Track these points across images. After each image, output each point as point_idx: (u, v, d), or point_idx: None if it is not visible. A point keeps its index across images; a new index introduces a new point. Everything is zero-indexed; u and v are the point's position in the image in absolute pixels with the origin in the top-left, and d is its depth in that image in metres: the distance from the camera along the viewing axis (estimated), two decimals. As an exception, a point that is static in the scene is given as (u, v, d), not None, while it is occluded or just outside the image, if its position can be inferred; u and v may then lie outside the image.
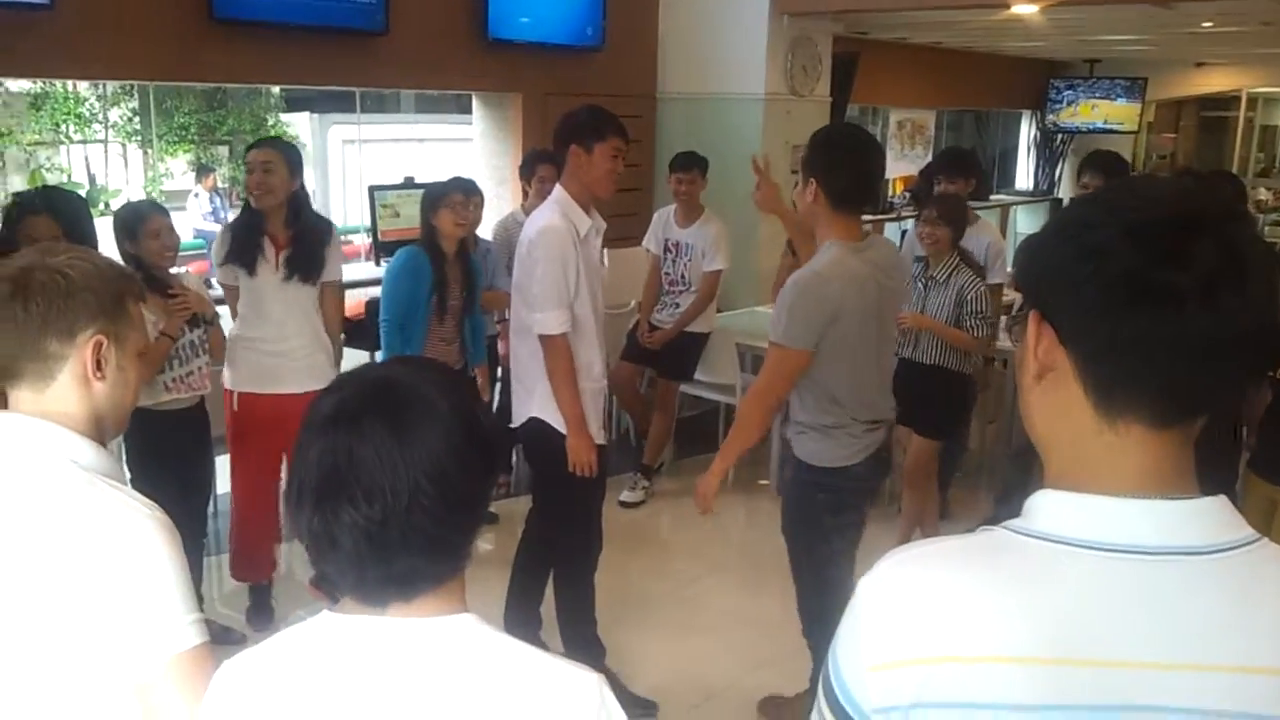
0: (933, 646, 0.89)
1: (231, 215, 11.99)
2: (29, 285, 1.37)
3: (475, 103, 6.64)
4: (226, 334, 3.82)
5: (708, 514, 3.07)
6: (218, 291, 4.07)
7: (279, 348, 3.79)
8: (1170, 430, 0.92)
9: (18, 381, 1.41)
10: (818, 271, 2.84)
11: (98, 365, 1.41)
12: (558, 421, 3.27)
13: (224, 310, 3.95)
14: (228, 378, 3.86)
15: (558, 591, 3.58)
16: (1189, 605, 0.88)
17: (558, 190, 3.32)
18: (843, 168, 2.86)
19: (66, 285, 1.38)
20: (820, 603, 3.04)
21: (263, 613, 4.04)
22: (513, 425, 3.45)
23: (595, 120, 3.29)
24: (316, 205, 3.92)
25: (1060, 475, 0.95)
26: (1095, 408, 0.92)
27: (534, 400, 3.32)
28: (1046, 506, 0.94)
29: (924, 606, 0.91)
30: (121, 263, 1.52)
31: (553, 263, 3.17)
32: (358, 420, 1.06)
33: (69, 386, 1.41)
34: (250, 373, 3.81)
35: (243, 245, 3.72)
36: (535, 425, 3.32)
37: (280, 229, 3.73)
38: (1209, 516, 0.91)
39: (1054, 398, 0.95)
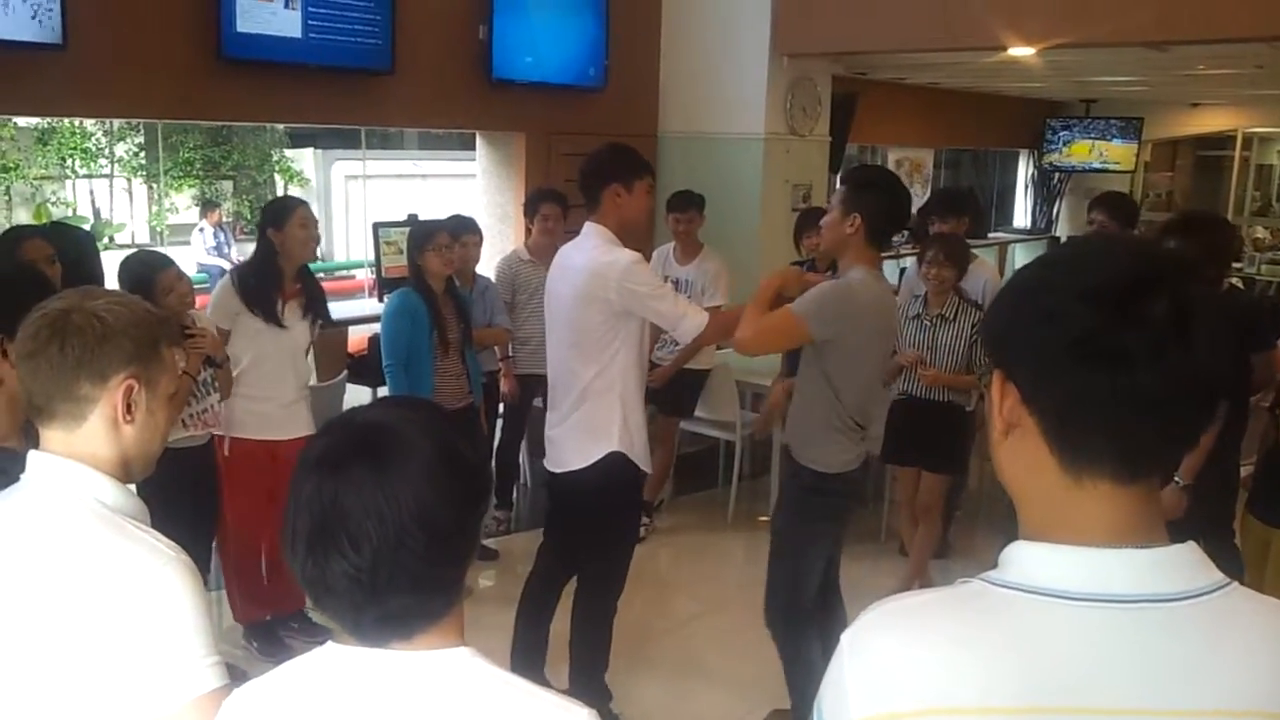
0: (918, 699, 0.90)
1: (236, 250, 12.13)
2: (66, 328, 1.41)
3: (479, 141, 6.71)
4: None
5: None
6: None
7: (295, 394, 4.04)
8: (1136, 484, 0.94)
9: (50, 421, 1.44)
10: (851, 284, 3.13)
11: (128, 409, 1.45)
12: (635, 454, 3.36)
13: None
14: (249, 426, 3.90)
15: (583, 630, 3.53)
16: (1165, 652, 0.90)
17: (597, 229, 3.32)
18: (885, 208, 3.14)
19: (102, 329, 1.41)
20: (790, 603, 3.34)
21: (274, 643, 4.09)
22: (574, 468, 3.39)
23: (630, 159, 3.38)
24: (320, 241, 4.06)
25: (1034, 527, 0.97)
26: (1060, 465, 0.94)
27: (612, 435, 3.32)
28: (1021, 558, 0.95)
29: (908, 659, 0.92)
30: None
31: (659, 284, 3.38)
32: (341, 467, 1.09)
33: (99, 428, 1.44)
34: (268, 420, 3.93)
35: (262, 292, 3.88)
36: (614, 459, 3.32)
37: (292, 280, 3.98)
38: (1180, 564, 0.93)
39: (1022, 454, 0.97)
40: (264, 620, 4.15)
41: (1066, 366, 0.90)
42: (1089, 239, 1.00)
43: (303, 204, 4.03)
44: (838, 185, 3.21)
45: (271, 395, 3.91)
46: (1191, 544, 0.95)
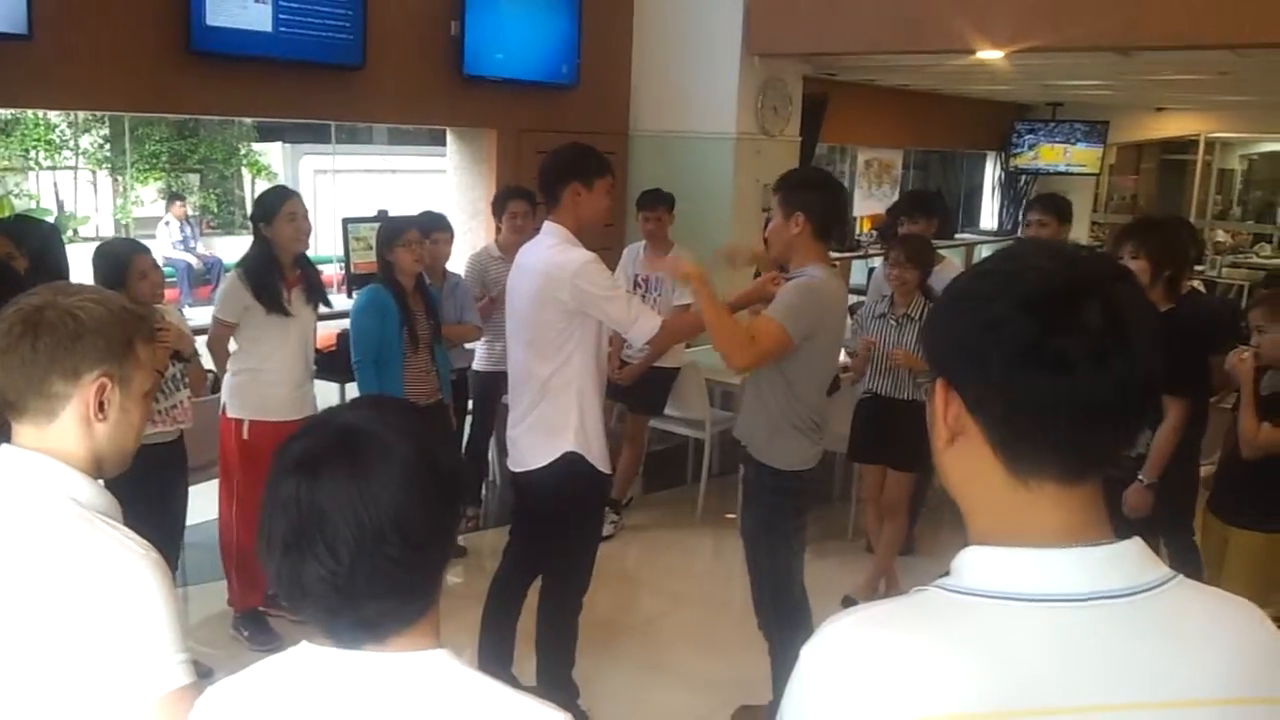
0: (882, 711, 0.90)
1: (201, 244, 11.99)
2: (39, 324, 1.40)
3: (449, 136, 6.69)
4: (242, 367, 3.99)
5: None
6: (194, 322, 4.13)
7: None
8: (1081, 484, 0.96)
9: (22, 417, 1.43)
10: (815, 285, 3.17)
11: (100, 407, 1.44)
12: (592, 455, 3.35)
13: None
14: (266, 408, 3.96)
15: (548, 628, 3.55)
16: (1124, 647, 0.92)
17: (556, 228, 3.33)
18: (826, 205, 3.23)
19: (75, 327, 1.40)
20: (779, 601, 3.37)
21: (264, 631, 4.10)
22: (533, 467, 3.38)
23: (591, 158, 3.38)
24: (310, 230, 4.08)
25: (983, 531, 0.99)
26: (1006, 469, 0.96)
27: (567, 435, 3.32)
28: (975, 563, 0.97)
29: (870, 671, 0.92)
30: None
31: (613, 285, 3.36)
32: (318, 469, 1.07)
33: (71, 425, 1.43)
34: (282, 402, 4.03)
35: (268, 286, 3.95)
36: (570, 459, 3.32)
37: (291, 269, 4.05)
38: (1129, 559, 0.96)
39: (967, 460, 0.99)
40: (256, 609, 4.14)
41: (1011, 375, 0.92)
42: (1019, 248, 1.02)
43: (290, 197, 4.06)
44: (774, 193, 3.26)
45: (284, 380, 4.02)
46: (1137, 539, 0.97)
